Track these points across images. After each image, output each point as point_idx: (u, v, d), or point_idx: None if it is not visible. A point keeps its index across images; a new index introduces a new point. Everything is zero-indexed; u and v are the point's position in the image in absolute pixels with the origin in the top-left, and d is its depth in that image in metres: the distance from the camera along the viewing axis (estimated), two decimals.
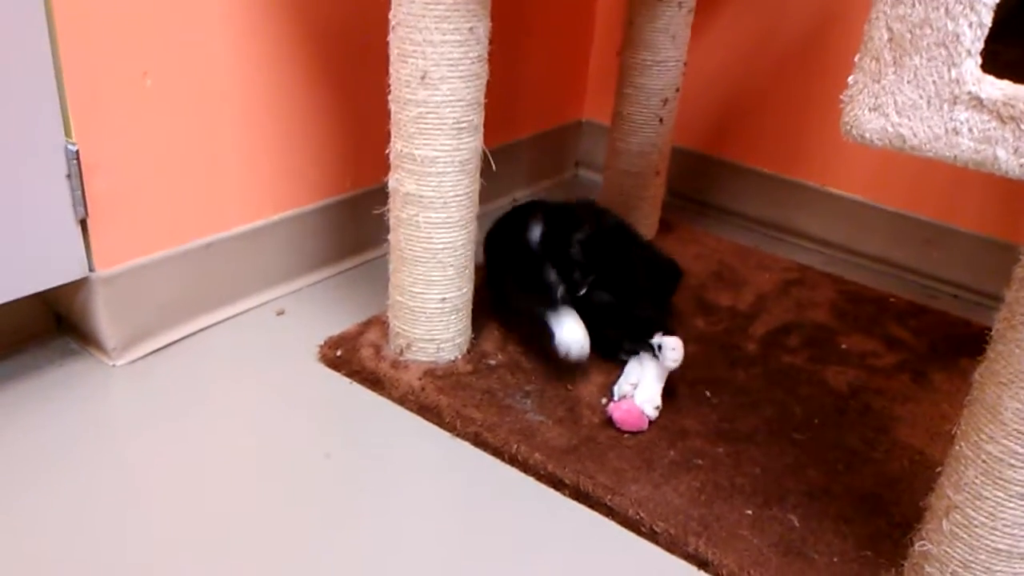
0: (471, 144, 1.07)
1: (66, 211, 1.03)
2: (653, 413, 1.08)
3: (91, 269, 1.08)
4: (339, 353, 1.16)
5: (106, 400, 1.07)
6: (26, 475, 0.94)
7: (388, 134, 1.07)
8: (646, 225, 1.60)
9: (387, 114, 1.06)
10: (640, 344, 1.14)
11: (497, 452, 1.03)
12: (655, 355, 1.12)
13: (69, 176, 1.02)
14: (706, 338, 1.28)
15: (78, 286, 1.09)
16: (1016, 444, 0.73)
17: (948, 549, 0.80)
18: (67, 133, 1.01)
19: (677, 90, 1.50)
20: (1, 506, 0.89)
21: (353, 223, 1.39)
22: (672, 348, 1.08)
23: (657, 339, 1.11)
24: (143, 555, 0.85)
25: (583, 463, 1.00)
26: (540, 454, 1.01)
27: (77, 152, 1.02)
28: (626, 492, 0.96)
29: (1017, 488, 0.74)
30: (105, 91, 1.03)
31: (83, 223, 1.05)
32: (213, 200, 1.20)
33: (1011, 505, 0.75)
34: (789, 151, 1.67)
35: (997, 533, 0.77)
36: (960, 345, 1.34)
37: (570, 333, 1.10)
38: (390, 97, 1.05)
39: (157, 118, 1.10)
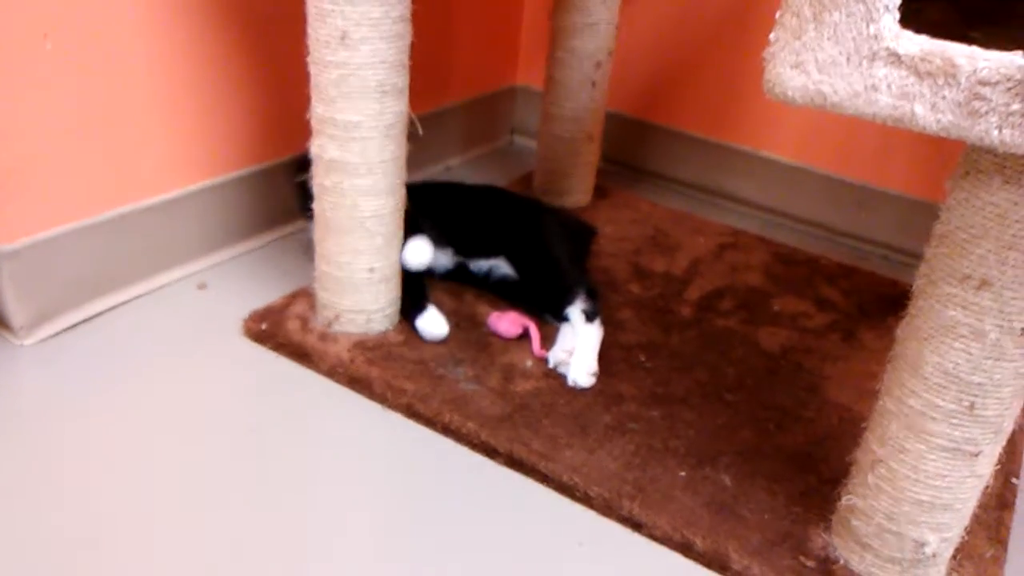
0: (395, 108, 1.03)
1: None
2: (590, 380, 1.07)
3: None
4: (264, 326, 1.12)
5: (13, 382, 1.02)
6: None
7: (310, 98, 1.03)
8: (581, 191, 1.59)
9: (308, 77, 1.01)
10: (560, 315, 1.15)
11: (430, 423, 1.01)
12: (587, 321, 1.12)
13: None
14: (641, 303, 1.28)
15: None
16: (936, 398, 0.74)
17: (873, 502, 0.82)
18: None
19: (610, 53, 1.48)
20: None
21: (276, 193, 1.34)
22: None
23: (571, 310, 1.14)
24: (56, 541, 0.81)
25: (517, 431, 0.99)
26: (473, 423, 0.99)
27: None
28: (560, 458, 0.95)
29: (938, 441, 0.76)
30: (5, 57, 0.96)
31: None
32: (125, 170, 1.14)
33: (932, 457, 0.77)
34: (722, 115, 1.67)
35: (920, 485, 0.78)
36: (888, 304, 1.36)
37: (409, 251, 1.14)
38: (309, 59, 1.00)
39: (60, 83, 1.03)
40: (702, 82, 1.67)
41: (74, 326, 1.11)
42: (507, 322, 1.15)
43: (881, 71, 0.63)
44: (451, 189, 1.39)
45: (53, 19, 1.00)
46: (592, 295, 1.17)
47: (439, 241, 1.20)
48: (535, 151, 1.62)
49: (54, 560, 0.79)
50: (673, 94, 1.72)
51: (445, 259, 1.25)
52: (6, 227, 1.02)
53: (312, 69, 1.01)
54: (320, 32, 0.97)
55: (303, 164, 1.10)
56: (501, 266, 1.24)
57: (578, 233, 1.42)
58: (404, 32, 1.00)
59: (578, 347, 1.11)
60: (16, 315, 1.06)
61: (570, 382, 1.07)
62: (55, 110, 1.04)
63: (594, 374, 1.08)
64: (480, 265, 1.25)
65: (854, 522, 0.84)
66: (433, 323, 1.12)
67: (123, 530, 0.83)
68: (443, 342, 1.13)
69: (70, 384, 1.02)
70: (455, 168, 1.75)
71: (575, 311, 1.14)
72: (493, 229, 1.27)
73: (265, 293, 1.20)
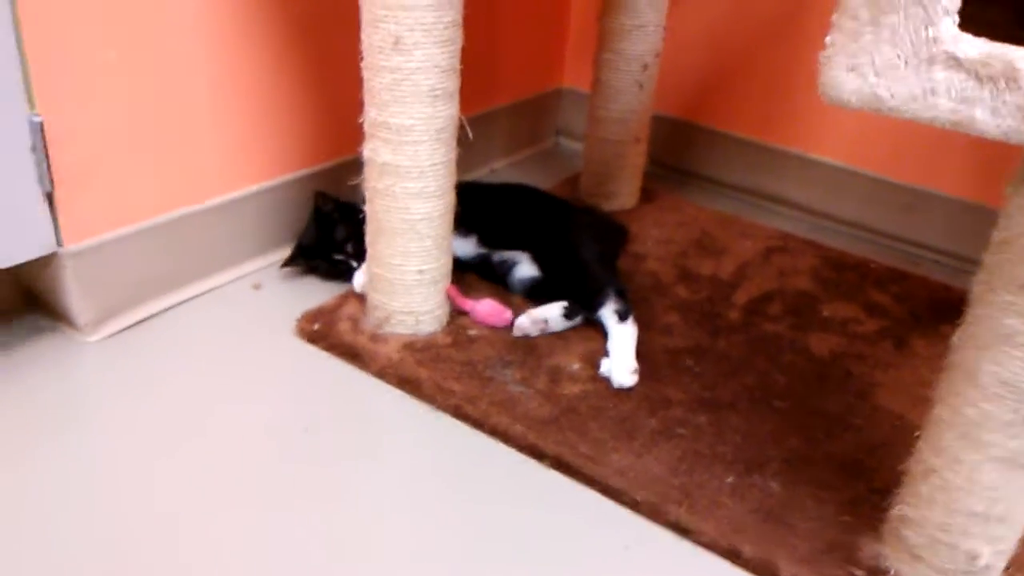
0: (447, 112, 1.04)
1: (31, 184, 1.01)
2: (632, 379, 1.08)
3: (59, 244, 1.06)
4: (316, 327, 1.15)
5: (79, 377, 1.05)
6: None
7: (362, 102, 1.05)
8: (627, 194, 1.59)
9: (361, 81, 1.03)
10: (595, 316, 1.17)
11: (478, 424, 1.02)
12: (620, 321, 1.14)
13: (34, 149, 0.99)
14: (688, 307, 1.28)
15: (47, 261, 1.07)
16: (993, 408, 0.73)
17: (926, 512, 0.81)
18: (31, 105, 0.98)
19: (657, 55, 1.48)
20: None
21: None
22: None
23: (603, 311, 1.16)
24: (120, 532, 0.84)
25: (564, 433, 0.99)
26: (521, 425, 1.00)
27: (41, 124, 0.99)
28: (607, 462, 0.96)
29: (994, 451, 0.75)
30: (69, 62, 1.00)
31: (49, 197, 1.03)
32: (185, 172, 1.18)
33: (988, 468, 0.75)
34: (770, 117, 1.65)
35: (974, 496, 0.77)
36: (940, 310, 1.34)
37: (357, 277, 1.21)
38: (362, 64, 1.02)
39: (123, 89, 1.07)
40: (749, 84, 1.66)
41: (135, 324, 1.15)
42: (488, 308, 1.17)
43: (940, 75, 0.63)
44: (481, 186, 1.40)
45: (116, 29, 1.03)
46: (622, 294, 1.18)
47: (462, 228, 1.20)
48: (581, 153, 1.62)
49: (115, 550, 0.82)
50: (720, 96, 1.71)
51: (468, 247, 1.26)
52: (72, 228, 1.06)
53: (366, 74, 1.03)
54: (374, 37, 0.99)
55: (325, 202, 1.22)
56: (524, 266, 1.25)
57: (609, 233, 1.42)
58: (456, 37, 1.02)
59: (615, 348, 1.12)
60: (81, 313, 1.09)
61: (614, 384, 1.08)
62: (118, 116, 1.07)
63: (635, 372, 1.08)
64: (503, 257, 1.26)
65: (905, 532, 0.83)
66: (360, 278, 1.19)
67: (180, 524, 0.86)
68: (492, 341, 1.14)
69: (130, 380, 1.05)
70: (500, 170, 1.76)
71: (607, 312, 1.15)
72: (520, 223, 1.28)
73: (317, 294, 1.22)
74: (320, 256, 1.26)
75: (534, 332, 1.14)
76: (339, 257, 1.24)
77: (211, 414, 1.01)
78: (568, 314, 1.16)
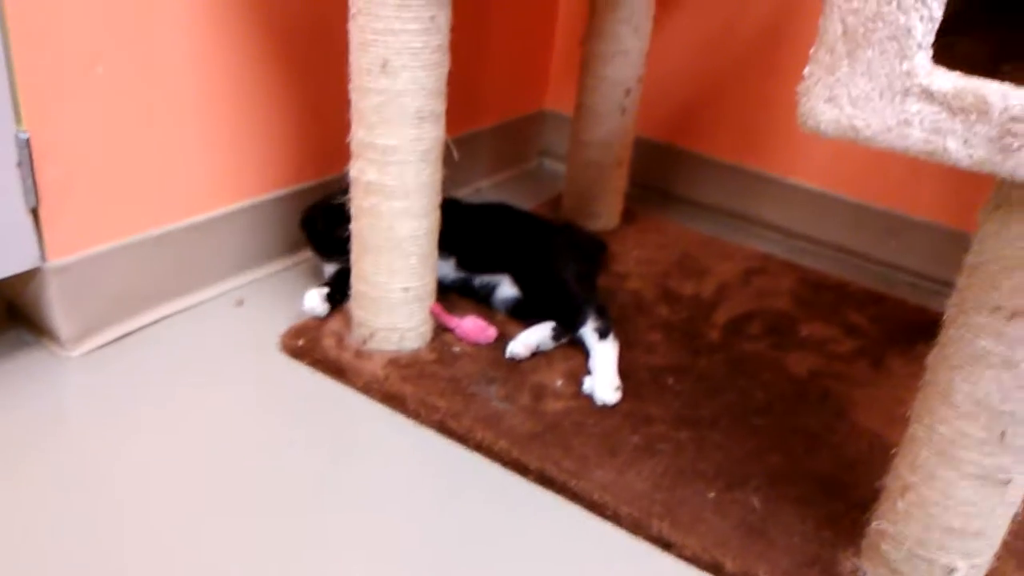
0: (433, 133, 1.06)
1: (17, 200, 1.01)
2: (616, 396, 1.09)
3: (43, 259, 1.05)
4: (301, 343, 1.15)
5: (61, 392, 1.05)
6: None
7: (349, 122, 1.06)
8: (609, 215, 1.61)
9: (348, 102, 1.05)
10: (576, 335, 1.19)
11: (462, 439, 1.03)
12: (600, 339, 1.15)
13: (20, 164, 1.00)
14: (669, 326, 1.29)
15: (30, 276, 1.07)
16: (967, 425, 0.75)
17: (903, 528, 0.82)
18: (18, 121, 0.99)
19: (639, 80, 1.51)
20: None
21: None
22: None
23: (584, 331, 1.17)
24: (101, 547, 0.84)
25: (548, 449, 1.00)
26: (505, 441, 1.01)
27: (28, 140, 0.99)
28: (590, 477, 0.97)
29: (968, 468, 0.77)
30: (56, 79, 1.01)
31: (35, 212, 1.03)
32: (169, 189, 1.18)
33: (963, 484, 0.77)
34: (751, 141, 1.69)
35: (950, 512, 0.79)
36: (917, 331, 1.37)
37: (307, 297, 1.21)
38: (351, 86, 1.03)
39: (110, 106, 1.07)
40: (730, 108, 1.69)
41: (118, 339, 1.14)
42: (472, 325, 1.18)
43: (914, 107, 0.65)
44: (458, 204, 1.41)
45: (104, 46, 1.04)
46: (602, 312, 1.19)
47: (442, 250, 1.20)
48: (564, 175, 1.64)
49: (96, 566, 0.82)
50: (702, 120, 1.74)
51: (448, 269, 1.27)
52: (55, 243, 1.06)
53: (353, 96, 1.04)
54: (362, 61, 1.01)
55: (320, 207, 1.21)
56: (505, 287, 1.26)
57: (588, 249, 1.43)
58: (442, 61, 1.04)
59: (597, 365, 1.13)
60: (64, 328, 1.09)
61: (597, 401, 1.09)
62: (104, 132, 1.08)
63: (619, 388, 1.10)
64: (483, 281, 1.27)
65: (884, 547, 0.85)
66: (311, 298, 1.20)
67: (163, 539, 0.86)
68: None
69: (113, 395, 1.05)
70: (484, 190, 1.78)
71: (588, 330, 1.17)
72: (498, 245, 1.30)
73: (301, 310, 1.23)
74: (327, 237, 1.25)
75: (526, 355, 1.15)
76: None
77: (194, 429, 1.01)
78: (556, 336, 1.18)
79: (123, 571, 0.82)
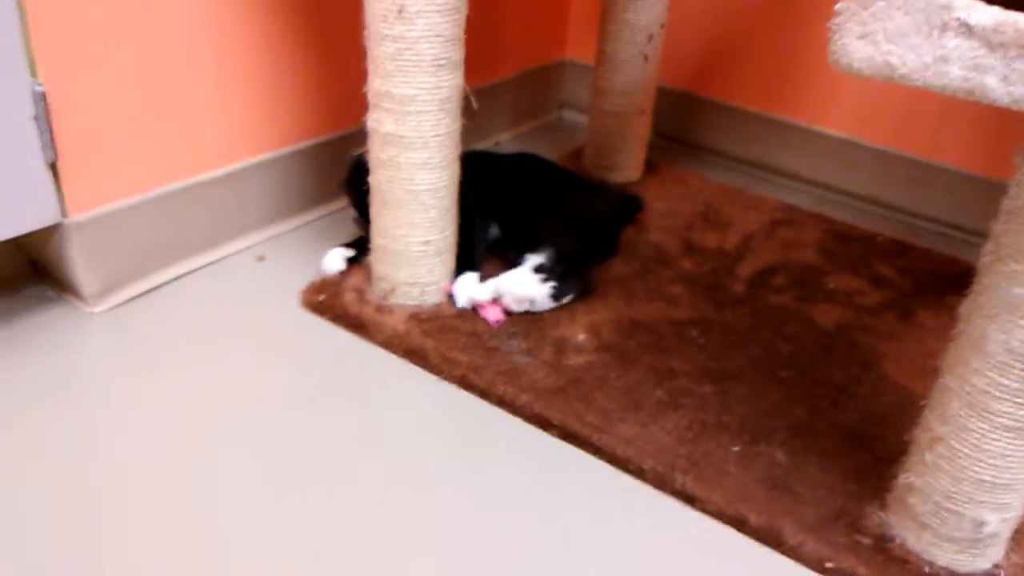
0: (451, 82, 1.04)
1: (35, 154, 1.00)
2: (463, 300, 1.12)
3: (64, 214, 1.05)
4: (322, 298, 1.15)
5: (85, 348, 1.06)
6: (2, 423, 0.92)
7: (366, 72, 1.04)
8: (631, 166, 1.58)
9: (364, 51, 1.02)
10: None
11: (484, 394, 1.03)
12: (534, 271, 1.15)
13: (36, 118, 0.99)
14: (693, 279, 1.28)
15: (51, 232, 1.07)
16: (1000, 376, 0.73)
17: (931, 480, 0.81)
18: (33, 73, 0.97)
19: (662, 26, 1.46)
20: None
21: (334, 166, 1.36)
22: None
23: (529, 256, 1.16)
24: (122, 504, 0.85)
25: (570, 403, 1.00)
26: (527, 395, 1.00)
27: (44, 93, 0.98)
28: (614, 431, 0.96)
29: (1001, 420, 0.75)
30: (72, 30, 0.99)
31: (53, 167, 1.02)
32: (189, 143, 1.17)
33: (995, 436, 0.76)
34: (775, 89, 1.64)
35: (981, 464, 0.77)
36: (945, 282, 1.34)
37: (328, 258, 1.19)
38: (366, 33, 1.01)
39: (127, 58, 1.06)
40: (755, 55, 1.65)
41: (140, 295, 1.15)
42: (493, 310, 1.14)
43: (952, 42, 0.62)
44: (493, 162, 1.38)
45: None
46: (562, 259, 1.16)
47: (487, 217, 1.21)
48: (585, 126, 1.61)
49: (117, 522, 0.83)
50: (726, 67, 1.69)
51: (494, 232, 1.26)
52: (76, 199, 1.06)
53: (369, 43, 1.02)
54: (377, 6, 0.98)
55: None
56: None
57: (616, 207, 1.41)
58: (460, 5, 1.01)
59: (505, 275, 1.13)
60: (86, 284, 1.09)
61: (455, 296, 1.13)
62: (122, 86, 1.07)
63: (488, 295, 1.11)
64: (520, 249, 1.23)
65: (911, 500, 0.84)
66: (333, 260, 1.19)
67: (184, 495, 0.87)
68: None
69: (136, 350, 1.05)
70: (504, 143, 1.75)
71: (532, 259, 1.15)
72: (528, 201, 1.27)
73: (323, 270, 1.22)
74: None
75: (519, 309, 1.13)
76: None
77: (216, 385, 1.02)
78: (556, 294, 1.14)
79: (146, 524, 0.83)
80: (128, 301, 1.13)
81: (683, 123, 1.77)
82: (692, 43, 1.70)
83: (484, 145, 1.71)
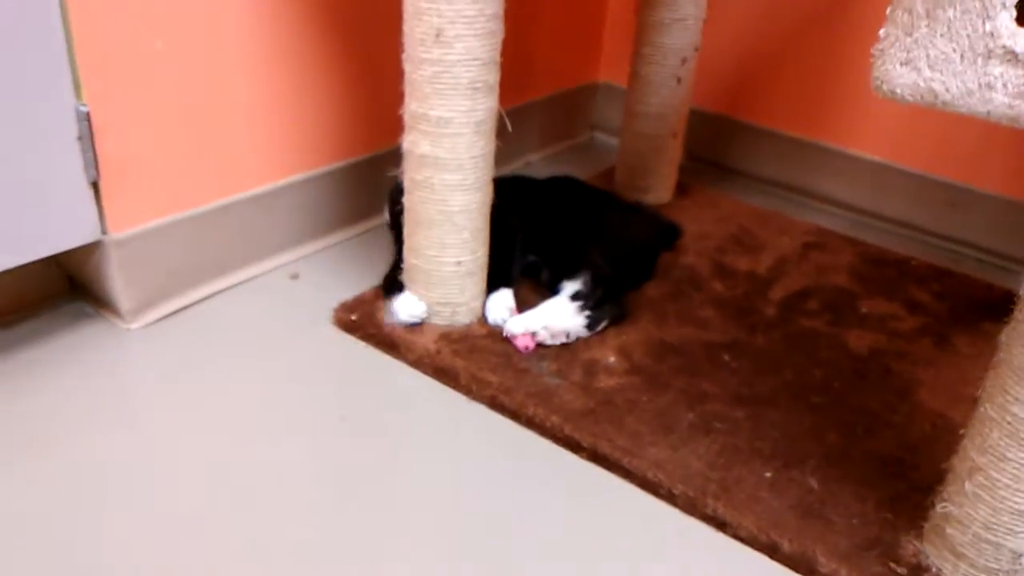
0: (486, 104, 1.05)
1: (78, 173, 1.03)
2: (512, 324, 1.11)
3: (104, 232, 1.07)
4: (354, 317, 1.16)
5: (122, 364, 1.07)
6: (42, 440, 0.94)
7: (403, 95, 1.05)
8: (663, 188, 1.58)
9: (402, 73, 1.04)
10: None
11: (514, 415, 1.03)
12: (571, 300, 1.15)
13: (80, 138, 1.01)
14: (724, 302, 1.27)
15: (91, 249, 1.09)
16: None
17: (970, 511, 0.80)
18: (78, 95, 1.00)
19: (696, 49, 1.47)
20: (17, 470, 0.90)
21: (368, 186, 1.38)
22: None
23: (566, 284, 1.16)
24: (159, 519, 0.86)
25: (600, 426, 0.99)
26: (557, 416, 1.00)
27: (88, 114, 1.01)
28: (644, 455, 0.96)
29: None
30: (116, 53, 1.02)
31: (95, 185, 1.05)
32: (226, 162, 1.19)
33: None
34: (810, 112, 1.64)
35: (1021, 494, 0.76)
36: (982, 309, 1.32)
37: (400, 304, 1.15)
38: (404, 56, 1.03)
39: (168, 80, 1.08)
40: (789, 78, 1.64)
41: (176, 312, 1.16)
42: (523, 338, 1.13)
43: (997, 69, 0.62)
44: (532, 186, 1.39)
45: (163, 20, 1.05)
46: (599, 281, 1.15)
47: (526, 249, 1.23)
48: (616, 148, 1.62)
49: (156, 535, 0.84)
50: (759, 90, 1.69)
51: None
52: (116, 217, 1.08)
53: (407, 66, 1.03)
54: (416, 30, 1.00)
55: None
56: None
57: (654, 232, 1.40)
58: (496, 30, 1.02)
59: (541, 306, 1.13)
60: (124, 301, 1.11)
61: (489, 319, 1.14)
62: (163, 106, 1.09)
63: (524, 330, 1.10)
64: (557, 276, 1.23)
65: (949, 530, 0.82)
66: (407, 305, 1.14)
67: (219, 509, 0.87)
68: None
69: (172, 367, 1.07)
70: (535, 164, 1.76)
71: (569, 287, 1.15)
72: (576, 244, 1.26)
73: (355, 284, 1.23)
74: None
75: (554, 343, 1.12)
76: None
77: (250, 401, 1.03)
78: (591, 323, 1.14)
79: (180, 537, 0.84)
80: (164, 318, 1.15)
81: (716, 145, 1.76)
82: (726, 66, 1.70)
83: (515, 165, 1.71)
